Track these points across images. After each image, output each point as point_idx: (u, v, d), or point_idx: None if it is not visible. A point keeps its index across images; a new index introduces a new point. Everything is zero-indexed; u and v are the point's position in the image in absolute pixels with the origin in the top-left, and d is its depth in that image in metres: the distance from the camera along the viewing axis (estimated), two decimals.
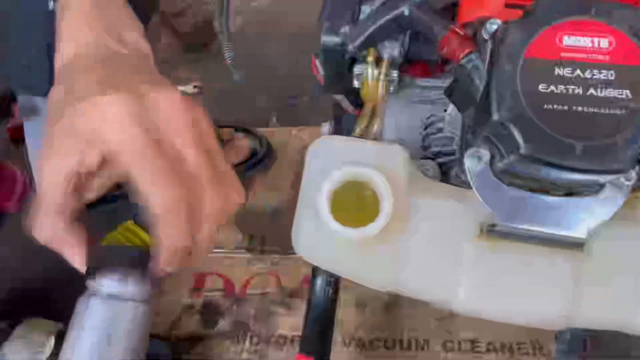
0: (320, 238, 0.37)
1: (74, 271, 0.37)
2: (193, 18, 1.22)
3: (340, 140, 0.40)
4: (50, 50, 0.41)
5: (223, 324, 0.68)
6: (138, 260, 0.35)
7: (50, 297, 0.72)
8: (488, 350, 0.61)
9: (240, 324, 0.67)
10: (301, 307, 0.65)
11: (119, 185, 0.44)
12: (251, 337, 0.66)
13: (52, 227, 0.34)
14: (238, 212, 0.41)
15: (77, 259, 0.35)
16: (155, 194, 0.32)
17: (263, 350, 0.65)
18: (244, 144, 0.99)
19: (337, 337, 0.62)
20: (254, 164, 0.98)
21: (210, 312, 0.69)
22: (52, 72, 0.39)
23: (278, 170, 0.98)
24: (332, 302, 0.61)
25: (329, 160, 0.38)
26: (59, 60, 0.37)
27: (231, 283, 0.72)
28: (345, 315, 0.65)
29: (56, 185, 0.33)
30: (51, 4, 0.41)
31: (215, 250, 0.76)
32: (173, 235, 0.33)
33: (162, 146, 0.32)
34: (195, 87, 1.15)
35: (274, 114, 1.07)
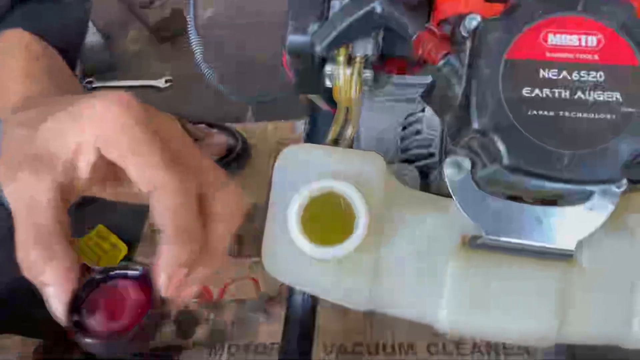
0: (291, 257, 0.34)
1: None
2: (162, 8, 1.17)
3: (311, 148, 0.37)
4: None
5: (200, 334, 0.65)
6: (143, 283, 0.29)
7: (23, 309, 0.68)
8: (473, 351, 0.60)
9: (217, 332, 0.65)
10: (280, 313, 0.63)
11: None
12: (229, 347, 0.64)
13: (45, 254, 0.28)
14: None
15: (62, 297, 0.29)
16: (161, 181, 0.29)
17: None
18: (218, 141, 0.96)
19: (318, 344, 0.60)
20: (229, 162, 0.95)
21: (186, 322, 0.66)
22: None
23: (254, 167, 0.95)
24: (311, 310, 0.59)
25: (299, 173, 0.35)
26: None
27: (208, 290, 0.69)
28: (326, 321, 0.62)
29: (48, 202, 0.28)
30: None
31: None
32: (184, 229, 0.29)
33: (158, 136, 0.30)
34: (167, 81, 1.11)
35: (250, 108, 1.03)
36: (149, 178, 0.29)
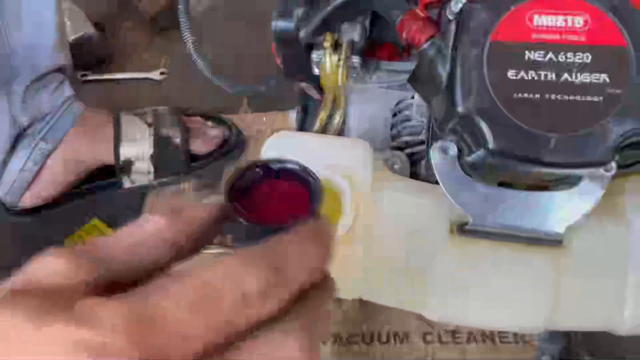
0: None
1: None
2: (158, 0, 1.16)
3: (297, 136, 0.37)
4: None
5: None
6: None
7: None
8: (469, 340, 0.59)
9: None
10: None
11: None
12: None
13: None
14: None
15: None
16: None
17: None
18: (214, 133, 0.95)
19: None
20: (225, 153, 0.95)
21: None
22: None
23: (250, 158, 0.95)
24: None
25: None
26: None
27: None
28: None
29: None
30: None
31: None
32: None
33: None
34: (162, 73, 1.10)
35: (246, 99, 1.03)
36: None
